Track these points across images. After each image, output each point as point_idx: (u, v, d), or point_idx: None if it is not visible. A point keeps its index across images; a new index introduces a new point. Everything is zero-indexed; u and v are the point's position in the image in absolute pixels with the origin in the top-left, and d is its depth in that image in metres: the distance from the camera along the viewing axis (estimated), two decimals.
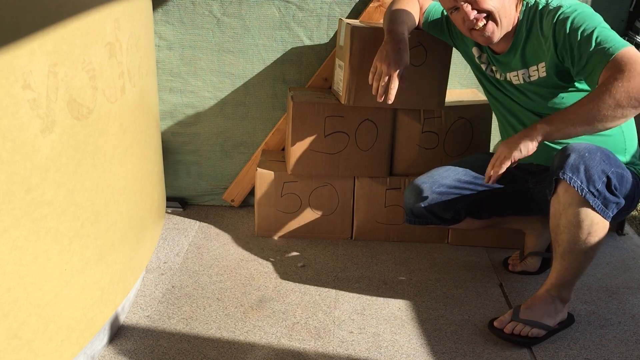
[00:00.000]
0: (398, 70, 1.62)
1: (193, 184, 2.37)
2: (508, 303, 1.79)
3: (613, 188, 1.43)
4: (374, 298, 1.79)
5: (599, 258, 2.06)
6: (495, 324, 1.62)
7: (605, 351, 1.57)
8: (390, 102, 1.65)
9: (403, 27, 1.71)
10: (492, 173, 1.53)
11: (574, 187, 1.43)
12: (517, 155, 1.47)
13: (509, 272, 1.96)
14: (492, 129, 2.15)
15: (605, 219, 1.46)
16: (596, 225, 1.46)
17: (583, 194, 1.42)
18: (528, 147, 1.46)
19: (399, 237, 2.15)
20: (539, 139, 1.45)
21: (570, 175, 1.43)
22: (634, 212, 2.50)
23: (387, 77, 1.63)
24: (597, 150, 1.45)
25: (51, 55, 1.07)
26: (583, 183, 1.42)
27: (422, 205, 1.72)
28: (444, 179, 1.73)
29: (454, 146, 2.08)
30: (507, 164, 1.49)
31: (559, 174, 1.44)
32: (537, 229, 1.91)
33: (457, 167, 1.77)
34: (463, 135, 2.08)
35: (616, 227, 2.24)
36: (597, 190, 1.42)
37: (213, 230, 2.20)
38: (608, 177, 1.42)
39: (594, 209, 1.44)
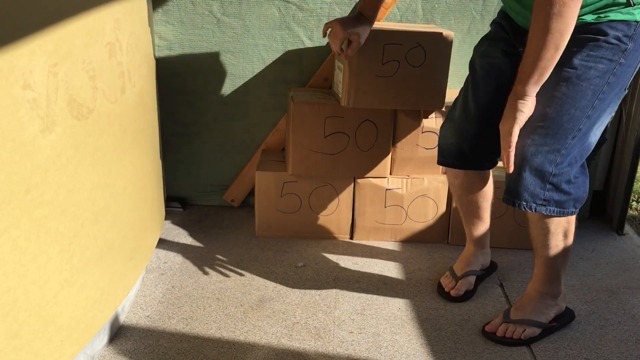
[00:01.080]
0: (341, 24, 1.67)
1: (193, 184, 2.37)
2: (508, 303, 1.79)
3: (564, 186, 1.41)
4: (374, 298, 1.79)
5: (599, 258, 2.06)
6: (487, 328, 1.62)
7: (605, 351, 1.57)
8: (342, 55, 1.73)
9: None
10: (507, 156, 1.40)
11: (521, 208, 1.44)
12: (520, 124, 1.35)
13: (509, 272, 1.96)
14: None
15: (567, 215, 1.46)
16: (559, 224, 1.48)
17: (534, 210, 1.43)
18: (525, 110, 1.33)
19: (399, 237, 2.16)
20: (530, 97, 1.32)
21: (513, 199, 1.45)
22: (634, 212, 2.50)
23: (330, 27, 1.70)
24: (536, 155, 1.38)
25: (51, 55, 1.07)
26: (529, 202, 1.43)
27: (465, 149, 1.64)
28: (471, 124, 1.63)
29: None
30: (515, 139, 1.37)
31: (506, 202, 1.46)
32: None
33: (473, 99, 1.65)
34: None
35: (616, 227, 2.25)
36: (544, 200, 1.42)
37: (213, 230, 2.20)
38: (551, 183, 1.40)
39: (551, 216, 1.45)
